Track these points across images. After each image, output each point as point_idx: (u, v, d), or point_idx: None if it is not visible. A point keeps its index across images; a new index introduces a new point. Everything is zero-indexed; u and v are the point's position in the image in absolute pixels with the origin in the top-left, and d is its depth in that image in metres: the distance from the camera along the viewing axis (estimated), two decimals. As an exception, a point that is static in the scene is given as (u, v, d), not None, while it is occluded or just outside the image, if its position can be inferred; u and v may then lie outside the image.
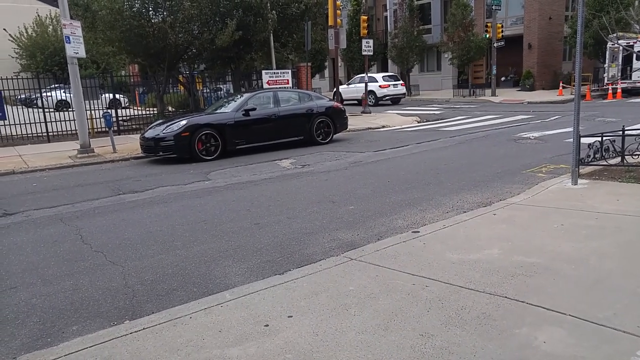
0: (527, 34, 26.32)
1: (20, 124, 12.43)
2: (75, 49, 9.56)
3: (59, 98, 18.53)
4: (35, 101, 14.69)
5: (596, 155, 5.91)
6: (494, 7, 23.90)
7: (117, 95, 14.93)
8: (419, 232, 4.19)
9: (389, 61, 31.74)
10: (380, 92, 22.66)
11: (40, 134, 12.72)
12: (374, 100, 22.39)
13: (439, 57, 31.31)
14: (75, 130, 10.93)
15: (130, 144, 11.41)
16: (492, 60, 24.57)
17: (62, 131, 12.98)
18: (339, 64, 30.26)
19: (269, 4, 13.68)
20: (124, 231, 4.88)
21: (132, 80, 19.36)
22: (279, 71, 14.68)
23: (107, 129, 10.98)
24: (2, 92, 11.88)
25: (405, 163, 8.15)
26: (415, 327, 2.56)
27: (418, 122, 15.01)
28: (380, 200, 5.62)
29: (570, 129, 5.68)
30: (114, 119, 12.77)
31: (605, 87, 21.00)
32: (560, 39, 26.97)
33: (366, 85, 19.82)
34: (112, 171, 8.76)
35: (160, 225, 5.05)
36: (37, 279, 3.74)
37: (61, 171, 8.97)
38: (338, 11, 17.38)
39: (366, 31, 19.37)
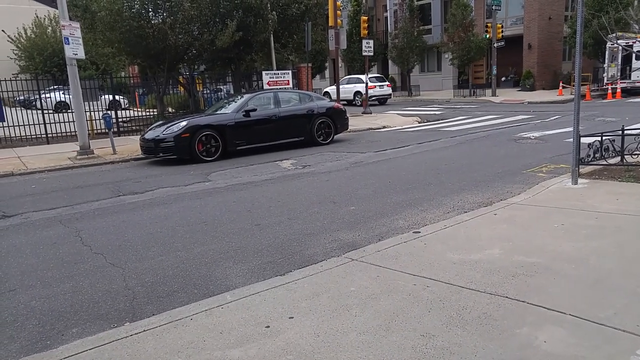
0: (527, 34, 26.33)
1: (19, 125, 12.43)
2: (75, 50, 9.56)
3: (58, 99, 18.55)
4: (34, 103, 14.70)
5: (596, 155, 5.91)
6: (494, 7, 23.92)
7: (116, 97, 14.93)
8: (420, 232, 4.18)
9: (390, 62, 31.77)
10: (368, 93, 23.25)
11: (40, 136, 12.72)
12: (360, 101, 22.81)
13: (439, 57, 31.33)
14: (75, 131, 10.94)
15: (130, 145, 11.41)
16: (492, 61, 24.59)
17: (61, 133, 12.99)
18: (340, 65, 30.29)
19: (269, 5, 13.69)
20: (124, 233, 4.88)
21: (132, 81, 19.38)
22: (279, 72, 14.69)
23: (106, 131, 10.98)
24: (1, 93, 11.89)
25: (406, 163, 8.15)
26: (416, 327, 2.56)
27: (419, 123, 15.01)
28: (381, 200, 5.61)
29: (570, 129, 5.68)
30: (114, 120, 12.77)
31: (604, 87, 21.01)
32: (560, 39, 26.99)
33: (366, 86, 19.83)
34: (112, 172, 8.76)
35: (160, 226, 5.05)
36: (36, 281, 3.74)
37: (60, 173, 8.97)
38: (338, 12, 17.39)
39: (366, 32, 19.37)
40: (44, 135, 12.67)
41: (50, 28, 30.58)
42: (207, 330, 2.67)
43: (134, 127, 14.50)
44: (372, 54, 19.32)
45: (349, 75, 28.75)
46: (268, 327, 2.67)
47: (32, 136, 12.69)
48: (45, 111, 13.01)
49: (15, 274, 3.90)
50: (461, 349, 2.33)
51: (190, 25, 12.98)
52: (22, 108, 14.21)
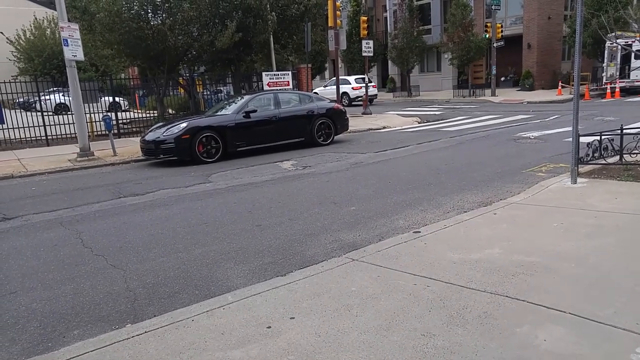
0: (526, 34, 26.35)
1: (19, 127, 12.44)
2: (74, 51, 9.57)
3: (57, 101, 18.56)
4: (33, 105, 14.71)
5: (595, 154, 5.92)
6: (493, 7, 23.93)
7: (116, 98, 14.94)
8: (420, 232, 4.19)
9: (389, 62, 31.80)
10: (353, 94, 23.90)
11: (39, 138, 12.73)
12: (347, 101, 23.15)
13: (439, 57, 31.36)
14: (75, 133, 10.95)
15: (131, 147, 11.42)
16: (492, 60, 24.61)
17: (61, 135, 13.01)
18: (340, 65, 30.30)
19: (268, 6, 13.70)
20: (125, 234, 4.88)
21: (131, 83, 19.40)
22: (279, 73, 14.70)
23: (106, 132, 10.99)
24: (1, 95, 11.90)
25: (406, 163, 8.16)
26: (417, 327, 2.57)
27: (418, 123, 15.02)
28: (381, 200, 5.62)
29: (570, 128, 5.69)
30: (114, 122, 12.78)
31: (603, 86, 21.01)
32: (559, 38, 27.01)
33: (366, 87, 19.85)
34: (112, 174, 8.77)
35: (161, 228, 5.05)
36: (37, 283, 3.75)
37: (61, 175, 8.98)
38: (338, 12, 17.40)
39: (366, 32, 19.39)
40: (44, 138, 12.68)
41: (49, 30, 30.60)
42: (209, 331, 2.68)
43: (134, 129, 14.51)
44: (371, 54, 19.34)
45: (348, 75, 28.84)
46: (269, 327, 2.68)
47: (32, 138, 12.69)
48: (45, 113, 13.03)
49: (16, 276, 3.91)
50: (462, 348, 2.34)
51: (189, 26, 12.99)
52: (22, 110, 14.22)
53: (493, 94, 24.06)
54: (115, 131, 12.93)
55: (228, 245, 4.36)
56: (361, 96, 24.09)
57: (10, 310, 3.30)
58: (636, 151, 5.79)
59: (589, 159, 5.90)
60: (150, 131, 9.92)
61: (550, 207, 4.64)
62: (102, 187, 7.44)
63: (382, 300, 2.91)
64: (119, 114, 14.38)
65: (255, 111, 9.84)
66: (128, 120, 15.08)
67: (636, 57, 17.64)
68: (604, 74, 21.58)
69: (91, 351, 2.56)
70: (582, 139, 5.69)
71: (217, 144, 9.29)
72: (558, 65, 27.35)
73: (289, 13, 14.72)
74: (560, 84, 22.51)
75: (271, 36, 14.58)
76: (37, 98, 13.33)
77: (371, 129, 13.74)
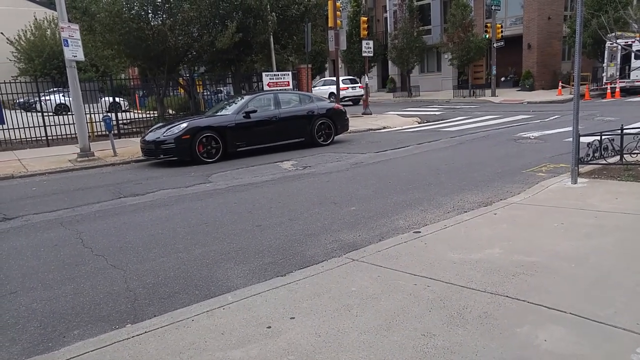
0: (526, 34, 26.35)
1: (19, 128, 12.44)
2: (74, 52, 9.58)
3: (58, 102, 18.57)
4: (34, 105, 14.71)
5: (595, 154, 5.91)
6: (493, 7, 23.93)
7: (117, 99, 14.95)
8: (420, 232, 4.19)
9: (389, 62, 31.80)
10: (340, 94, 24.05)
11: (40, 138, 12.74)
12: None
13: (439, 57, 31.37)
14: (75, 134, 10.95)
15: (131, 147, 11.43)
16: (492, 61, 24.61)
17: (61, 135, 13.01)
18: (340, 66, 30.30)
19: (268, 6, 13.70)
20: (125, 234, 4.89)
21: (132, 83, 19.40)
22: (279, 73, 14.70)
23: (107, 133, 10.99)
24: (1, 96, 11.90)
25: (406, 164, 8.16)
26: (417, 327, 2.57)
27: (419, 123, 15.02)
28: (381, 201, 5.62)
29: (570, 129, 5.69)
30: (114, 123, 12.79)
31: (604, 86, 21.01)
32: (559, 38, 27.00)
33: (367, 87, 19.85)
34: (112, 174, 8.77)
35: (161, 228, 5.06)
36: (37, 283, 3.75)
37: (61, 175, 8.98)
38: (338, 12, 17.41)
39: (366, 32, 19.40)
40: (44, 138, 12.69)
41: (49, 30, 30.59)
42: (209, 331, 2.67)
43: (134, 129, 14.52)
44: (372, 54, 19.34)
45: (348, 75, 28.87)
46: (269, 327, 2.68)
47: (32, 139, 12.70)
48: (45, 114, 13.03)
49: (16, 276, 3.91)
50: (462, 348, 2.34)
51: (189, 26, 12.99)
52: (22, 110, 14.22)
53: (493, 94, 24.05)
54: (116, 131, 12.93)
55: (228, 245, 4.36)
56: (349, 96, 24.67)
57: (10, 310, 3.30)
58: (636, 151, 5.79)
59: (589, 159, 5.89)
60: (150, 131, 9.93)
61: (550, 207, 4.64)
62: (102, 188, 7.45)
63: (382, 300, 2.91)
64: (119, 114, 14.39)
65: (255, 111, 9.84)
66: (128, 121, 15.09)
67: (636, 57, 17.65)
68: (604, 74, 21.57)
69: (91, 351, 2.56)
70: (583, 139, 5.69)
71: (217, 144, 9.29)
72: (558, 66, 27.35)
73: (289, 13, 14.72)
74: (560, 84, 22.50)
75: (271, 36, 14.58)
76: (38, 98, 13.33)
77: (371, 129, 13.75)
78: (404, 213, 5.03)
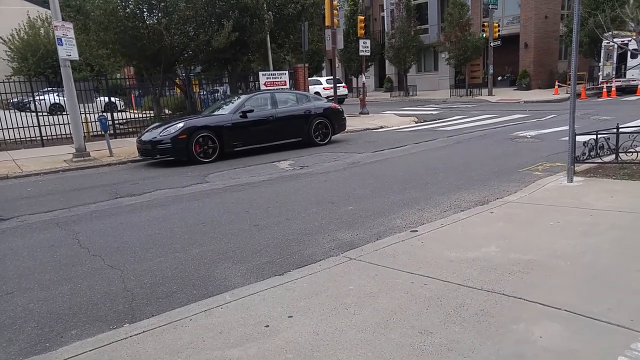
0: (523, 33, 26.44)
1: (13, 128, 12.34)
2: (68, 51, 9.52)
3: (52, 101, 18.47)
4: (28, 105, 14.62)
5: (591, 153, 5.95)
6: (490, 6, 23.98)
7: (112, 99, 14.88)
8: (417, 231, 4.20)
9: (387, 61, 31.84)
10: (324, 93, 24.78)
11: (34, 138, 12.66)
12: None
13: (436, 57, 31.43)
14: (70, 134, 10.90)
15: (127, 147, 11.39)
16: (489, 60, 24.67)
17: (56, 135, 12.95)
18: (337, 65, 30.33)
19: (265, 5, 13.68)
20: (122, 235, 4.88)
21: (127, 83, 19.32)
22: (276, 72, 14.69)
23: (102, 133, 10.96)
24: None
25: (403, 163, 8.18)
26: (414, 325, 2.58)
27: (416, 123, 15.05)
28: (379, 200, 5.63)
29: (566, 128, 5.73)
30: (110, 123, 12.74)
31: (600, 85, 21.11)
32: (556, 37, 27.10)
33: (364, 86, 19.86)
34: (109, 175, 8.74)
35: (158, 228, 5.05)
36: (34, 284, 3.74)
37: (56, 175, 8.95)
38: (335, 11, 17.41)
39: (363, 31, 19.40)
40: (39, 138, 12.61)
41: (42, 29, 30.39)
42: (207, 331, 2.68)
43: (130, 129, 14.46)
44: (369, 53, 19.34)
45: (345, 75, 28.91)
46: (267, 326, 2.68)
47: (27, 139, 12.62)
48: (40, 113, 12.95)
49: (12, 277, 3.89)
50: (459, 345, 2.35)
51: (185, 25, 12.94)
52: (16, 110, 14.13)
53: (490, 94, 24.12)
54: (112, 131, 12.87)
55: (226, 245, 4.36)
56: (332, 96, 25.10)
57: (7, 310, 3.29)
58: (632, 150, 5.83)
59: (585, 157, 5.93)
60: (146, 131, 9.90)
61: (546, 206, 4.66)
62: (98, 188, 7.42)
63: (379, 298, 2.92)
64: (115, 114, 14.33)
65: (252, 111, 9.83)
66: (124, 121, 15.03)
67: (632, 57, 17.73)
68: (600, 73, 21.66)
69: (89, 351, 2.56)
70: (579, 138, 5.72)
71: (213, 144, 9.28)
72: (555, 65, 27.46)
73: (285, 12, 14.70)
74: (557, 83, 22.59)
75: (268, 35, 14.56)
76: (32, 98, 13.26)
77: (368, 129, 13.76)
78: (401, 212, 5.04)
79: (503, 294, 2.86)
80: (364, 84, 19.94)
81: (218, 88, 17.00)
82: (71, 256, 4.30)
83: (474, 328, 2.50)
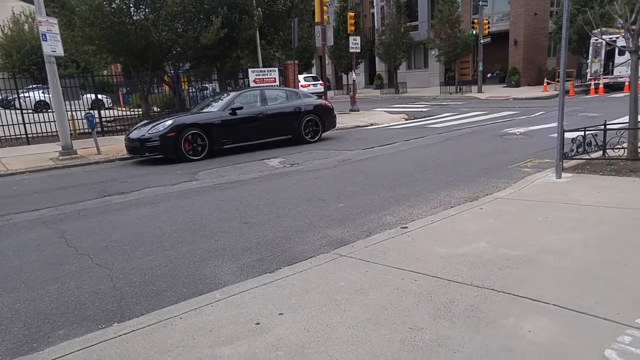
0: (513, 30, 26.65)
1: (-3, 125, 12.14)
2: (53, 47, 9.35)
3: (37, 99, 18.16)
4: (12, 102, 14.35)
5: (579, 150, 6.03)
6: (480, 3, 24.09)
7: (99, 96, 14.67)
8: (407, 227, 4.22)
9: (377, 58, 31.86)
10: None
11: (19, 136, 12.44)
12: None
13: (426, 54, 31.54)
14: (56, 131, 10.73)
15: (115, 145, 11.26)
16: (479, 57, 24.81)
17: (42, 133, 12.73)
18: (327, 62, 30.27)
19: (254, 1, 13.58)
20: (111, 233, 4.82)
21: (114, 80, 19.06)
22: (265, 69, 14.61)
23: (89, 130, 10.80)
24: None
25: (393, 160, 8.20)
26: (404, 320, 2.59)
27: (406, 120, 15.10)
28: (369, 197, 5.64)
29: (555, 124, 5.79)
30: (97, 120, 12.56)
31: (587, 82, 21.36)
32: (545, 34, 27.36)
33: (354, 83, 19.86)
34: (96, 173, 8.63)
35: (147, 226, 5.00)
36: (20, 283, 3.67)
37: (42, 174, 8.80)
38: (325, 8, 17.36)
39: (353, 28, 19.39)
40: (24, 136, 12.40)
41: (27, 25, 29.78)
42: (197, 329, 2.66)
43: (118, 127, 14.30)
44: (359, 50, 19.33)
45: (335, 71, 28.89)
46: (258, 324, 2.67)
47: (12, 137, 12.40)
48: (25, 111, 12.73)
49: (-2, 277, 3.83)
50: (449, 340, 2.36)
51: (173, 22, 12.79)
52: (0, 108, 13.87)
53: (479, 91, 24.29)
54: (99, 129, 12.69)
55: (215, 242, 4.33)
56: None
57: (-8, 311, 3.23)
58: (619, 146, 5.92)
59: (573, 154, 6.00)
60: (135, 129, 9.78)
61: (535, 202, 4.71)
62: (86, 186, 7.32)
63: (370, 295, 2.93)
64: (102, 111, 14.13)
65: (241, 108, 9.77)
66: (112, 118, 14.86)
67: (620, 54, 17.98)
68: (588, 70, 21.91)
69: (77, 351, 2.52)
70: (567, 135, 5.78)
71: (203, 141, 9.21)
72: (544, 62, 27.74)
73: (275, 8, 14.62)
74: (545, 80, 22.81)
75: (257, 32, 14.46)
76: (16, 95, 13.01)
77: (358, 126, 13.77)
78: (391, 209, 5.05)
79: (492, 290, 2.88)
80: (354, 81, 19.92)
81: (207, 85, 16.87)
82: (58, 255, 4.24)
83: (464, 323, 2.52)
